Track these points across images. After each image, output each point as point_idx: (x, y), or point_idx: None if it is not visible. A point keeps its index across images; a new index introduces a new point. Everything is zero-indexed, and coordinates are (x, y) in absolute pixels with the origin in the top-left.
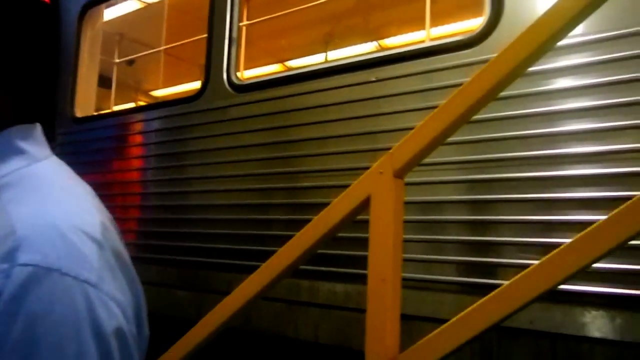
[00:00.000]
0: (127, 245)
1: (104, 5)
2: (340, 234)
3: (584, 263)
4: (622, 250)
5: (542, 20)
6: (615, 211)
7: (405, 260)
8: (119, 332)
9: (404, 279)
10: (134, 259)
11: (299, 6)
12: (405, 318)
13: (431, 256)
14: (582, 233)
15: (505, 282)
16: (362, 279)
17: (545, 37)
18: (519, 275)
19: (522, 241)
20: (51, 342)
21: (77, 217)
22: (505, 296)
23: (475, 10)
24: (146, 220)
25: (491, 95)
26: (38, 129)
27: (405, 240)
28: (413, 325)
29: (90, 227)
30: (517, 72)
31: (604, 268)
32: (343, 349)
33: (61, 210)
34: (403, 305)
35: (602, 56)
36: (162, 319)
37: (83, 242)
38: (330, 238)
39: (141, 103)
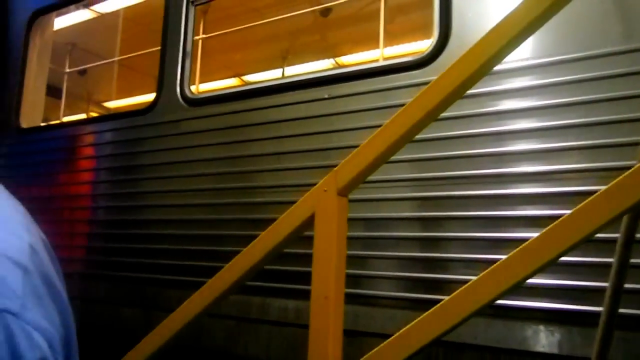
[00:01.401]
0: (74, 261)
1: (54, 13)
2: (292, 250)
3: (518, 279)
4: (558, 267)
5: (481, 44)
6: (546, 229)
7: (357, 276)
8: None
9: (355, 296)
10: (81, 275)
11: (257, 22)
12: (356, 334)
13: (382, 272)
14: (515, 251)
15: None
16: None
17: (485, 59)
18: (456, 292)
19: (468, 258)
20: None
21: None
22: (445, 312)
23: (426, 32)
24: (94, 235)
25: (433, 115)
26: None
27: (356, 257)
28: (363, 341)
29: (15, 251)
30: (458, 93)
31: (543, 284)
32: None
33: None
34: (354, 322)
35: (547, 80)
36: (111, 337)
37: (5, 267)
38: (277, 254)
39: (93, 114)
